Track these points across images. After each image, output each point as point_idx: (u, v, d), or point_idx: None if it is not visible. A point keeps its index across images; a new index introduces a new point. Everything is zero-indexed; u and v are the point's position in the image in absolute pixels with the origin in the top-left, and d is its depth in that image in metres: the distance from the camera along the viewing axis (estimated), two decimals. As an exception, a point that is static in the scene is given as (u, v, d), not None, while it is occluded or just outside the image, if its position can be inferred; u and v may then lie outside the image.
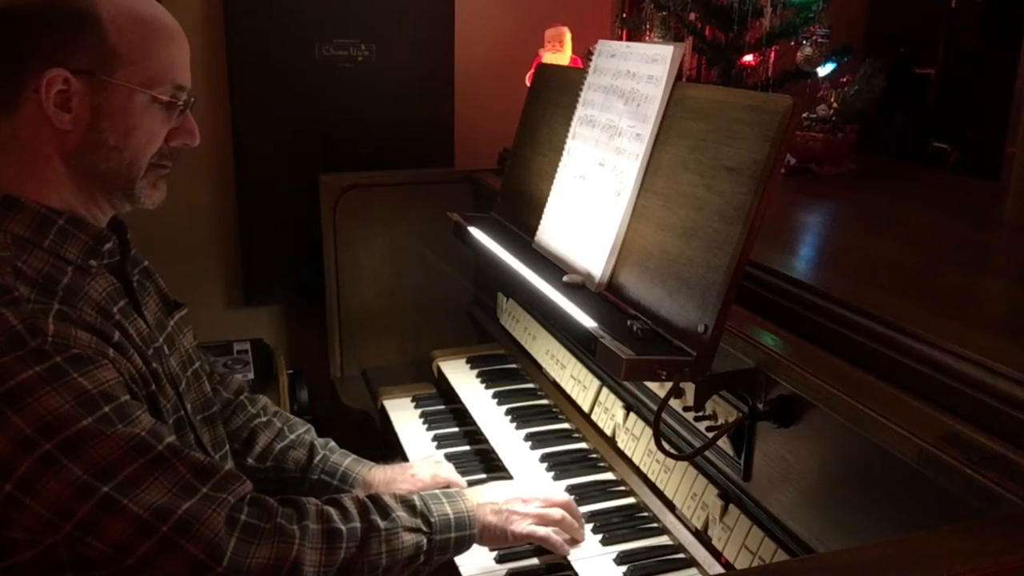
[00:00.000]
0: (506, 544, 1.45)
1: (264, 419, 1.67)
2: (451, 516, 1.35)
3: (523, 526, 1.43)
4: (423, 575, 1.33)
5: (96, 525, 1.09)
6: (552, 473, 1.70)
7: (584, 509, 1.58)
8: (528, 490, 1.49)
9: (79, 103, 1.20)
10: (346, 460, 1.64)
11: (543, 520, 1.45)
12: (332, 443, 1.68)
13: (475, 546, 1.43)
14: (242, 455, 1.61)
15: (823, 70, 2.30)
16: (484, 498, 1.43)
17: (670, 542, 1.50)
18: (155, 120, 1.26)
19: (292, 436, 1.66)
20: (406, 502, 1.33)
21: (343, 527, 1.23)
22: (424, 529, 1.31)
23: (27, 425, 1.06)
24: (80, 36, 1.18)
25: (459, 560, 1.51)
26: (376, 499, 1.31)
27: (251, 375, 2.54)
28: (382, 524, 1.27)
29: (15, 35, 1.18)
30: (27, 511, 1.08)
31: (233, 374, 1.70)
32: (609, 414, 1.72)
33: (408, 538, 1.28)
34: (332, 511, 1.25)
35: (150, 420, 1.16)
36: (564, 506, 1.49)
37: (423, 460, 1.71)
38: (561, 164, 1.67)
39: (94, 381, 1.11)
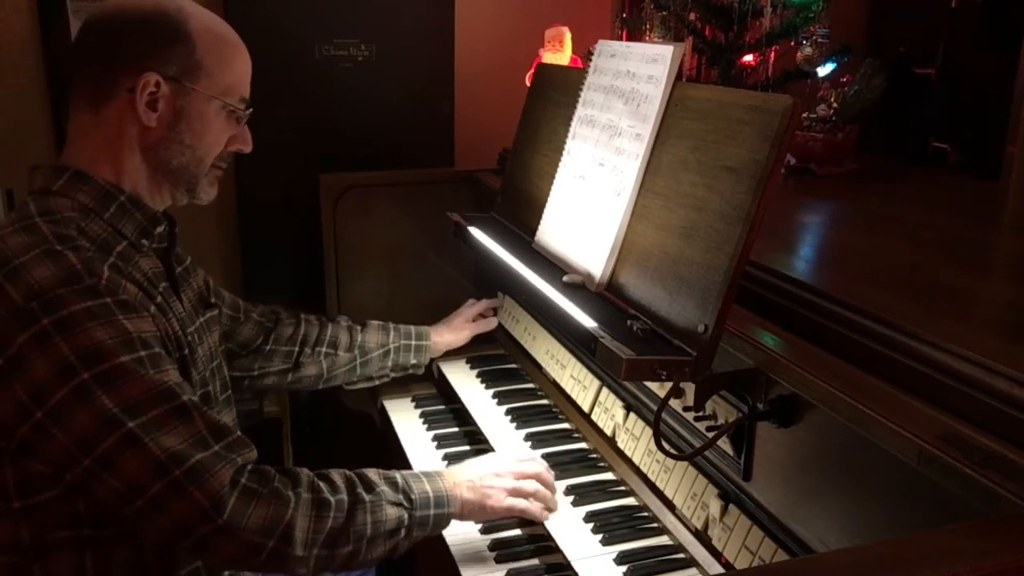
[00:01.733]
0: (485, 518, 1.53)
1: (330, 323, 1.95)
2: (431, 494, 1.42)
3: (500, 500, 1.50)
4: (402, 551, 1.39)
5: (115, 461, 1.16)
6: (552, 473, 1.70)
7: (584, 509, 1.58)
8: (502, 463, 1.56)
9: (165, 105, 1.35)
10: (411, 326, 2.03)
11: (518, 493, 1.52)
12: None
13: (475, 544, 1.49)
14: (334, 355, 1.93)
15: (823, 70, 2.30)
16: (460, 476, 1.50)
17: (670, 542, 1.50)
18: (223, 126, 1.42)
19: (359, 325, 1.97)
20: (389, 479, 1.40)
21: (331, 498, 1.30)
22: (406, 505, 1.38)
23: (72, 352, 1.15)
24: (174, 47, 1.34)
25: (460, 561, 1.51)
26: (361, 475, 1.39)
27: (251, 375, 2.54)
28: (367, 497, 1.34)
29: (119, 40, 1.33)
30: (52, 441, 1.16)
31: (279, 308, 1.94)
32: (609, 414, 1.72)
33: (391, 511, 1.36)
34: (322, 484, 1.32)
35: (177, 376, 1.26)
36: (537, 477, 1.56)
37: (458, 314, 2.09)
38: (561, 164, 1.67)
39: (136, 327, 1.22)
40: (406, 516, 1.37)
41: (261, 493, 1.23)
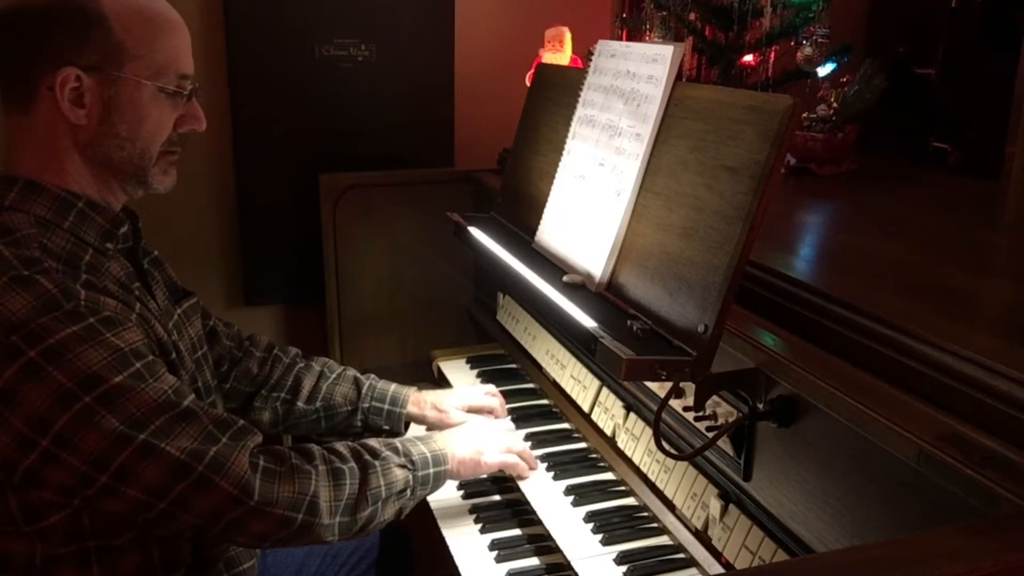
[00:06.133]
0: (480, 472, 1.61)
1: (302, 364, 1.78)
2: (428, 455, 1.49)
3: (494, 456, 1.61)
4: (407, 511, 1.45)
5: (132, 472, 1.15)
6: (552, 473, 1.70)
7: (584, 509, 1.58)
8: (491, 424, 1.73)
9: (91, 98, 1.25)
10: (391, 385, 1.79)
11: (510, 450, 1.65)
12: (372, 375, 1.81)
13: (475, 544, 1.51)
14: (291, 402, 1.73)
15: (823, 70, 2.30)
16: (453, 438, 1.59)
17: (670, 542, 1.50)
18: (163, 109, 1.31)
19: (334, 374, 1.78)
20: (389, 445, 1.46)
21: (344, 467, 1.35)
22: (409, 466, 1.45)
23: (68, 379, 1.12)
24: (88, 34, 1.22)
25: (460, 561, 1.52)
26: (364, 444, 1.44)
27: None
28: (376, 462, 1.40)
29: (25, 37, 1.23)
30: (63, 467, 1.13)
31: (259, 335, 1.81)
32: (609, 414, 1.72)
33: (399, 473, 1.42)
34: (332, 456, 1.37)
35: (173, 379, 1.24)
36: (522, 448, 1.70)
37: (459, 392, 1.87)
38: (561, 164, 1.67)
39: (125, 341, 1.18)
40: (410, 477, 1.44)
41: (281, 472, 1.26)
